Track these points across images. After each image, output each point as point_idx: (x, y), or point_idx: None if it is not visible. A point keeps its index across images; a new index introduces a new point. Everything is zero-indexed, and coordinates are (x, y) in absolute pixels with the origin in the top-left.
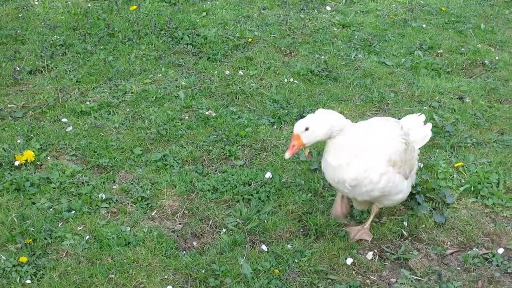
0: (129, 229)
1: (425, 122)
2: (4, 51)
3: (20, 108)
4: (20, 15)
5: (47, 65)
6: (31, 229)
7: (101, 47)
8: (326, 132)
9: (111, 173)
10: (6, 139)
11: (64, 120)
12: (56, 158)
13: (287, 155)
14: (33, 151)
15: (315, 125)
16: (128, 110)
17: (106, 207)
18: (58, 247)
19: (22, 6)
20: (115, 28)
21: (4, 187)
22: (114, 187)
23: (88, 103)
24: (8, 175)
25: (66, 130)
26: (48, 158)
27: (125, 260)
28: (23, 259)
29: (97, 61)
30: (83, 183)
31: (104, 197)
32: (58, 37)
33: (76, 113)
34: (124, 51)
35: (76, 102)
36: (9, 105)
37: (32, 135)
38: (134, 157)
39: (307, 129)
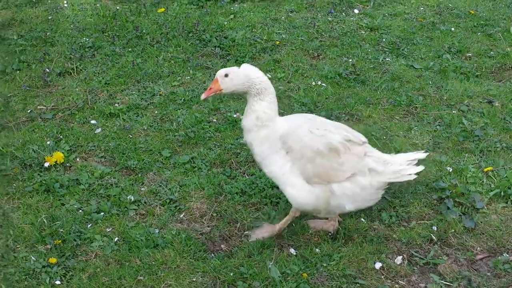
0: (158, 231)
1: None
2: (34, 53)
3: (49, 110)
4: (49, 18)
5: (76, 67)
6: (61, 230)
7: (130, 50)
8: (243, 84)
9: (140, 175)
10: (36, 141)
11: (93, 122)
12: (85, 160)
13: (203, 96)
14: (63, 153)
15: (235, 74)
16: (156, 112)
17: (134, 209)
18: (87, 248)
19: (52, 9)
20: (144, 31)
21: (34, 188)
22: (142, 189)
23: (116, 105)
24: (37, 176)
25: (95, 132)
26: (77, 159)
27: (153, 262)
28: (53, 260)
29: (126, 63)
30: (111, 184)
31: (132, 199)
32: (87, 39)
33: (104, 115)
34: (152, 54)
35: (104, 104)
36: (39, 107)
37: (61, 136)
38: (162, 159)
39: (226, 75)
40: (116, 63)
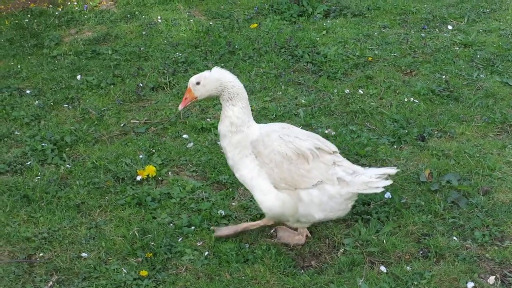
0: (248, 246)
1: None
2: (128, 68)
3: (142, 124)
4: (143, 33)
5: (169, 82)
6: (152, 243)
7: (222, 65)
8: (216, 89)
9: (231, 189)
10: (129, 154)
11: (185, 136)
12: (177, 174)
13: (180, 106)
14: (155, 166)
15: (206, 80)
16: None
17: (225, 224)
18: (178, 262)
19: (146, 24)
20: (236, 46)
21: (126, 201)
22: (233, 203)
23: (208, 119)
24: (130, 190)
25: (187, 146)
26: (169, 173)
27: (243, 277)
28: (144, 273)
29: None
30: (203, 199)
31: (223, 214)
32: (180, 54)
33: (196, 130)
34: (244, 69)
35: (196, 119)
36: (132, 121)
37: (153, 150)
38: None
39: (198, 83)
40: None
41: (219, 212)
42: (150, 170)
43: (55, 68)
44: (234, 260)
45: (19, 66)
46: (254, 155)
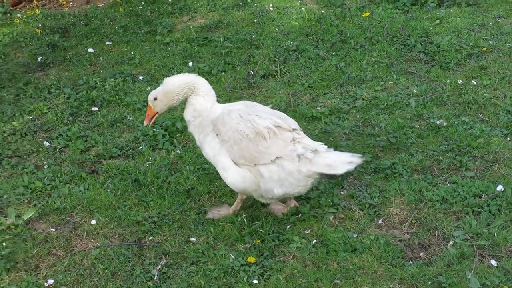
0: (356, 235)
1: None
2: (239, 55)
3: None
4: (255, 21)
5: (280, 70)
6: (260, 230)
7: (333, 53)
8: (172, 99)
9: (340, 178)
10: None
11: None
12: None
13: (145, 123)
14: None
15: (160, 95)
16: (358, 116)
17: (333, 212)
18: (286, 249)
19: (258, 12)
20: (348, 35)
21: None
22: (342, 192)
23: (319, 108)
24: None
25: None
26: None
27: (350, 267)
28: (251, 259)
29: (329, 67)
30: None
31: (331, 203)
32: (291, 43)
33: (306, 118)
34: (356, 58)
35: (307, 107)
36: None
37: None
38: (363, 163)
39: (155, 99)
40: (319, 66)
41: (327, 200)
42: None
43: (167, 55)
44: (341, 249)
45: (132, 53)
46: (215, 133)
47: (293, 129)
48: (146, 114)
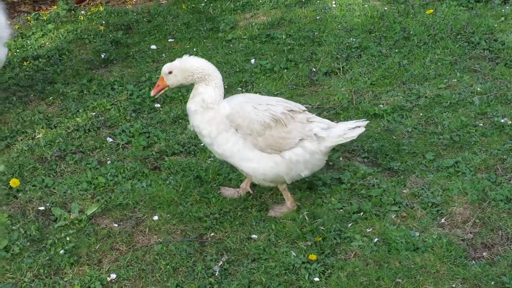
0: (418, 234)
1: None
2: (301, 52)
3: (315, 109)
4: (317, 17)
5: (342, 67)
6: (321, 228)
7: (396, 51)
8: (186, 78)
9: (402, 177)
10: None
11: None
12: (348, 160)
13: (152, 93)
14: None
15: (177, 70)
16: (421, 114)
17: (395, 211)
18: (347, 247)
19: (320, 9)
20: (411, 32)
21: (297, 185)
22: (404, 191)
23: (381, 106)
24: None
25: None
26: (340, 158)
27: (412, 266)
28: (313, 257)
29: (392, 64)
30: (373, 185)
31: (394, 201)
32: (353, 40)
33: (369, 116)
34: (419, 55)
35: (369, 105)
36: (304, 105)
37: None
38: (425, 162)
39: (170, 72)
40: (382, 64)
41: (389, 198)
42: None
43: (230, 52)
44: (403, 248)
45: (194, 49)
46: (234, 129)
47: (303, 110)
48: (156, 84)
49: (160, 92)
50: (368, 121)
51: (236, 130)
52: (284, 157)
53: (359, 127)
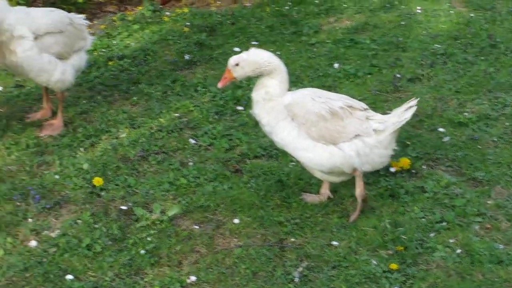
0: (503, 247)
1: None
2: (385, 58)
3: None
4: (402, 23)
5: (427, 74)
6: (403, 237)
7: (482, 58)
8: (253, 70)
9: (487, 187)
10: None
11: (441, 129)
12: (431, 168)
13: (219, 84)
14: (409, 159)
15: (244, 62)
16: (507, 124)
17: (479, 222)
18: (429, 257)
19: (405, 14)
20: (498, 39)
21: (379, 192)
22: (488, 202)
23: (466, 114)
24: (383, 181)
25: (443, 140)
26: (423, 167)
27: (496, 279)
28: (394, 266)
29: (477, 72)
30: (457, 195)
31: (478, 212)
32: (439, 46)
33: (453, 124)
34: (506, 63)
35: (454, 113)
36: (387, 111)
37: (408, 142)
38: (511, 172)
39: (237, 65)
40: (467, 71)
41: (473, 209)
42: (404, 162)
43: (313, 56)
44: (487, 260)
45: (278, 52)
46: (290, 118)
47: (364, 109)
48: (222, 77)
49: (227, 84)
50: (418, 98)
51: (292, 119)
52: (340, 147)
53: (411, 107)
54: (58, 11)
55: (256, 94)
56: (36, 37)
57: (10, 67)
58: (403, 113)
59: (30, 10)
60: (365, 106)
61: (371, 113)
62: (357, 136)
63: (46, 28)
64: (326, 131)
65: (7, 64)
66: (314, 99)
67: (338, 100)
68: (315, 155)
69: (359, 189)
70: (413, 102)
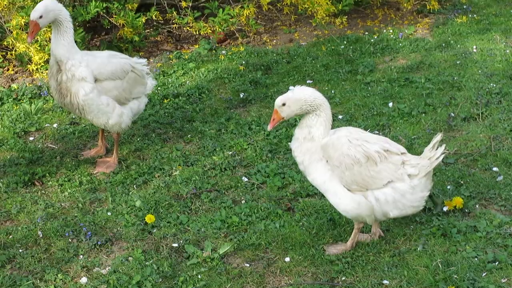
0: None
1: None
2: (440, 97)
3: (452, 154)
4: (457, 62)
5: (482, 113)
6: (455, 276)
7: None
8: (300, 107)
9: None
10: (437, 184)
11: (495, 169)
12: (484, 207)
13: (269, 127)
14: (462, 198)
15: (291, 101)
16: None
17: None
18: None
19: (460, 53)
20: None
21: (431, 231)
22: None
23: None
24: (436, 220)
25: (497, 180)
26: (476, 206)
27: None
28: None
29: None
30: (510, 234)
31: None
32: (494, 85)
33: (508, 163)
34: None
35: (508, 152)
36: (444, 151)
37: (462, 182)
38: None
39: (284, 104)
40: None
41: None
42: (458, 201)
43: (368, 95)
44: None
45: (333, 91)
46: (325, 160)
47: (402, 153)
48: (271, 119)
49: (276, 125)
50: (442, 132)
51: (327, 161)
52: (368, 198)
53: (439, 143)
54: (120, 58)
55: (299, 132)
56: (96, 80)
57: (68, 106)
58: (431, 151)
59: (95, 53)
60: (403, 150)
61: (408, 157)
62: (390, 182)
63: (107, 75)
64: (359, 176)
65: (65, 103)
66: (350, 141)
67: (375, 143)
68: (342, 202)
69: (350, 243)
70: (439, 137)
